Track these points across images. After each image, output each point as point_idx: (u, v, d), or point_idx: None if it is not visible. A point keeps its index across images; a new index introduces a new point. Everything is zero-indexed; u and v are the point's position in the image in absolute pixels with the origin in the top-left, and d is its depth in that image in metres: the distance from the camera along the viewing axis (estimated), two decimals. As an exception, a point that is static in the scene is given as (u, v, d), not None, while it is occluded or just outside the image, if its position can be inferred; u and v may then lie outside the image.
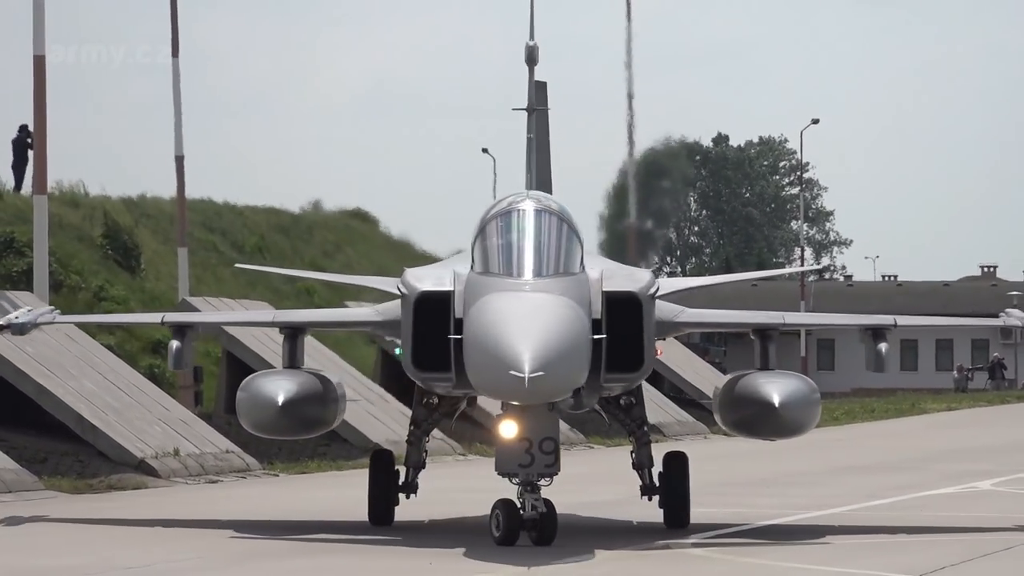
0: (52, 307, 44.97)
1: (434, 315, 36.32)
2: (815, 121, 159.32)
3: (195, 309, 54.02)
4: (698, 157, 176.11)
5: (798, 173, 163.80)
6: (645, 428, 40.03)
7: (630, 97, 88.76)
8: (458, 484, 45.97)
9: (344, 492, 48.90)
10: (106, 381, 53.85)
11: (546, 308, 35.02)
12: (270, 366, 59.14)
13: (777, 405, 37.09)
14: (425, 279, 37.34)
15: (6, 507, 44.14)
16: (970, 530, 38.50)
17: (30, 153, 63.76)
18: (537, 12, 42.42)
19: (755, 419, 38.28)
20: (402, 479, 40.62)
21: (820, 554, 35.52)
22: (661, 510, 39.68)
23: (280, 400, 37.53)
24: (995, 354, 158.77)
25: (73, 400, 51.55)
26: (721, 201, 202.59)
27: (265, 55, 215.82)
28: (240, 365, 60.11)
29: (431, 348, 36.23)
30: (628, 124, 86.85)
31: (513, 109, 42.67)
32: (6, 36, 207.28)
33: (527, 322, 34.61)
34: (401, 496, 40.57)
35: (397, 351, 37.89)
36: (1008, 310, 42.39)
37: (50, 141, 60.79)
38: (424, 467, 40.15)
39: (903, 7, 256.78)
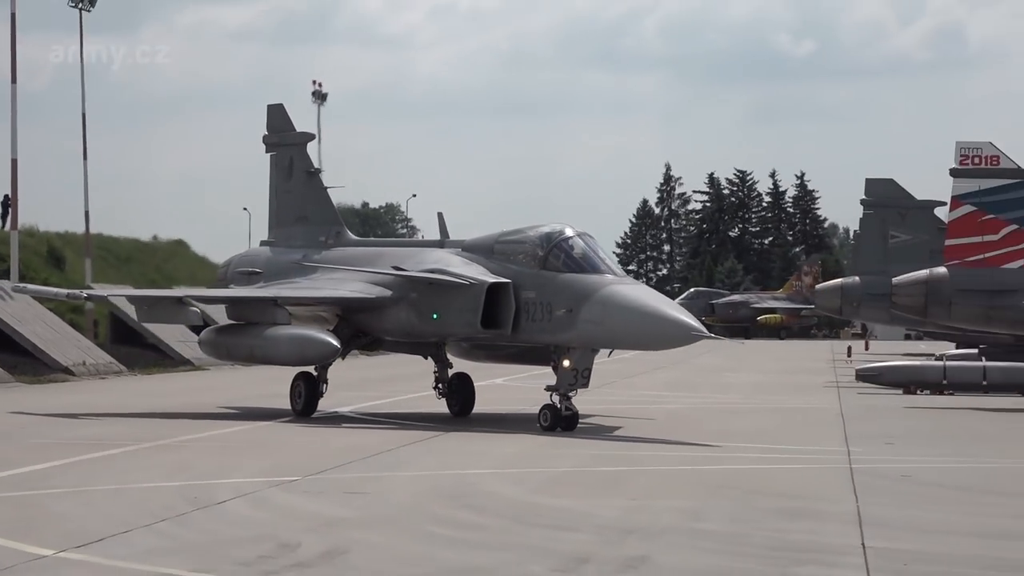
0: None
1: (492, 297, 31.78)
2: (414, 195, 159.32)
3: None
4: (355, 215, 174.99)
5: (406, 223, 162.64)
6: (448, 357, 35.52)
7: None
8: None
9: (186, 383, 48.77)
10: (48, 327, 53.32)
11: (659, 293, 32.10)
12: (134, 321, 58.27)
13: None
14: (481, 275, 32.20)
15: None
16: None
17: (9, 210, 62.84)
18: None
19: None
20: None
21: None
22: (447, 405, 35.26)
23: (337, 344, 33.26)
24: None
25: (31, 335, 51.10)
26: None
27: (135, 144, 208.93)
28: (120, 323, 59.50)
29: (489, 314, 31.74)
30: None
31: (309, 171, 39.08)
32: None
33: (668, 302, 31.02)
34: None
35: (435, 316, 32.92)
36: None
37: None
38: (327, 382, 35.19)
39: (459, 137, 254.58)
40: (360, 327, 35.05)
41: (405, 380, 47.22)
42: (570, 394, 31.00)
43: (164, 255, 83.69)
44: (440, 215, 36.03)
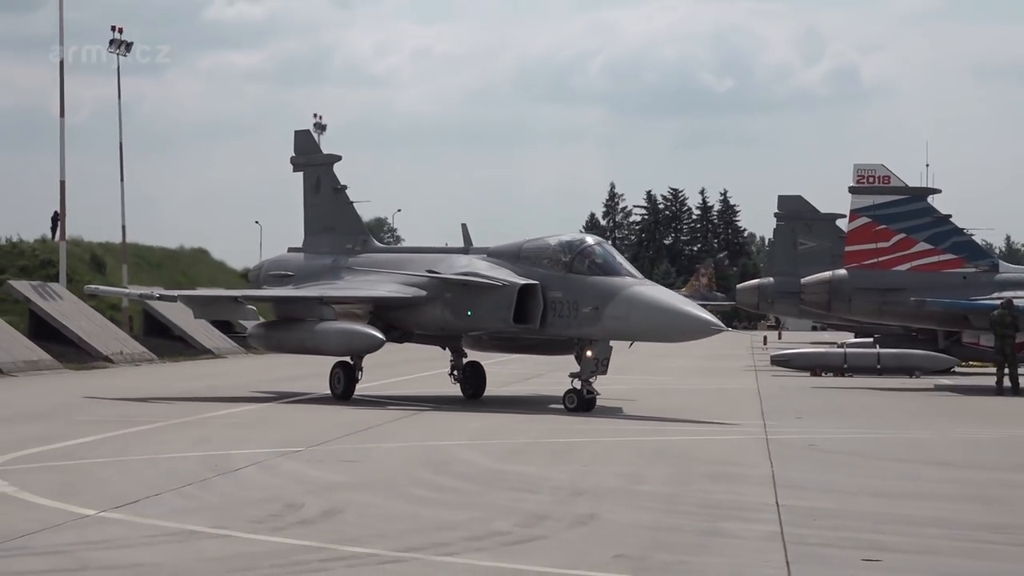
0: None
1: (521, 296, 30.93)
2: (399, 210, 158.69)
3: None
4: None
5: (392, 233, 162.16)
6: (462, 347, 34.62)
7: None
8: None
9: (207, 370, 48.59)
10: (90, 321, 53.06)
11: (675, 293, 31.39)
12: (169, 319, 58.06)
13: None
14: (511, 277, 31.41)
15: (51, 376, 43.64)
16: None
17: (58, 224, 62.77)
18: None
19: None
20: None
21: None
22: (460, 389, 34.58)
23: (383, 337, 32.50)
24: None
25: (77, 329, 50.85)
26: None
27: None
28: (151, 318, 59.18)
29: (519, 311, 30.94)
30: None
31: (336, 188, 38.14)
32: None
33: (686, 300, 30.79)
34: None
35: (469, 312, 32.11)
36: None
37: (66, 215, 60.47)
38: (362, 370, 33.83)
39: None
40: (392, 322, 33.99)
41: (398, 365, 47.20)
42: (591, 380, 30.40)
43: (188, 261, 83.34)
44: (464, 226, 35.16)
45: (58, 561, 12.84)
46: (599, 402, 30.64)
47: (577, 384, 30.47)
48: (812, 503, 16.93)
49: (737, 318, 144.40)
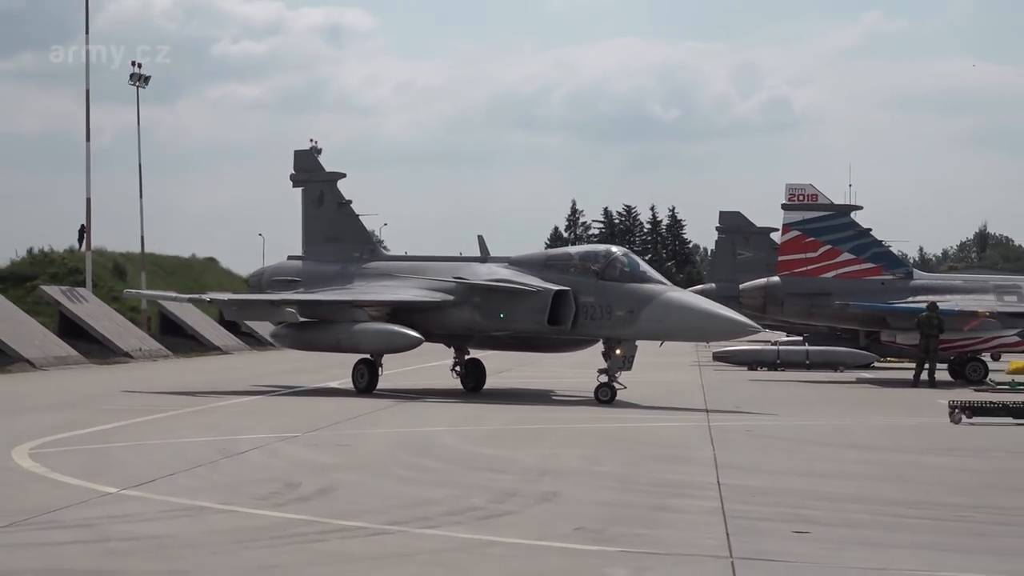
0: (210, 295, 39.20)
1: (556, 300, 30.25)
2: (385, 224, 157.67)
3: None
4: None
5: (380, 245, 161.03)
6: (467, 345, 33.78)
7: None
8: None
9: (216, 365, 48.36)
10: (113, 322, 52.85)
11: (705, 298, 30.93)
12: (182, 319, 57.79)
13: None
14: (542, 283, 30.77)
15: (78, 370, 43.38)
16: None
17: (84, 235, 62.46)
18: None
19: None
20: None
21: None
22: (461, 382, 33.85)
23: (421, 336, 31.56)
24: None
25: (102, 328, 50.70)
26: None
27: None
28: (166, 319, 58.90)
29: (553, 313, 30.36)
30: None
31: (340, 202, 37.32)
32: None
33: (717, 304, 29.53)
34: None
35: (502, 315, 31.20)
36: None
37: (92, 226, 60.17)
38: (382, 365, 32.84)
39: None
40: (414, 324, 32.43)
41: (398, 360, 47.01)
42: (616, 375, 30.09)
43: (199, 269, 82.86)
44: (480, 237, 34.33)
45: (84, 533, 12.78)
46: (579, 395, 30.44)
47: (604, 379, 30.12)
48: (749, 482, 16.92)
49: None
